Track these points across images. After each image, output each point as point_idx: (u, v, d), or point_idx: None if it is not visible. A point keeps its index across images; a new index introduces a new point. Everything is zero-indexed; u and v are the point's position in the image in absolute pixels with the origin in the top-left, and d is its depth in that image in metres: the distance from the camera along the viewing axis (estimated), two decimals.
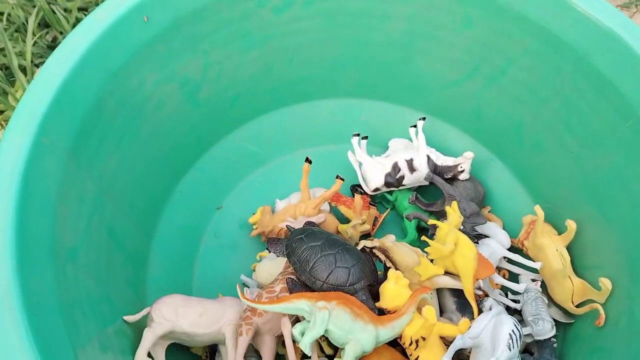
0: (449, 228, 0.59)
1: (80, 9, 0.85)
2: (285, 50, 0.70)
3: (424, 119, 0.72)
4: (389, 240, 0.62)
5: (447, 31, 0.67)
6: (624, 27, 0.56)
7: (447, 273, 0.58)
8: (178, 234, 0.69)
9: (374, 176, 0.70)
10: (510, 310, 0.64)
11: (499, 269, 0.68)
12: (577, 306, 0.60)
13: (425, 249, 0.58)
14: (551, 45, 0.61)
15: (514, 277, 0.67)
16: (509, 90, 0.68)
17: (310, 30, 0.69)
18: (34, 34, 0.80)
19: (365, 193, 0.72)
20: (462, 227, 0.65)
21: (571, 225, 0.62)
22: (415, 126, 0.72)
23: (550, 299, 0.64)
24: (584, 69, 0.59)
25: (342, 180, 0.67)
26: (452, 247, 0.56)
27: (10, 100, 0.75)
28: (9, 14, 0.83)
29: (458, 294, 0.60)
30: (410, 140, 0.74)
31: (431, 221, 0.62)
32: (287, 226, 0.62)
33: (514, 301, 0.63)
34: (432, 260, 0.59)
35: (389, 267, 0.60)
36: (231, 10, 0.63)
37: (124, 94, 0.58)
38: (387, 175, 0.70)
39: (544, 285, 0.65)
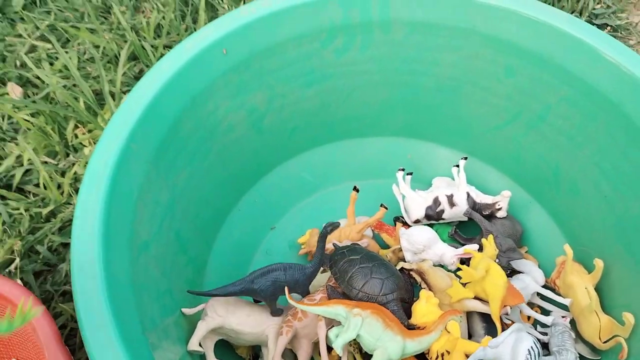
0: (482, 257, 0.63)
1: (165, 46, 0.97)
2: (342, 90, 0.78)
3: (465, 158, 0.77)
4: (426, 264, 0.67)
5: (490, 79, 0.73)
6: None
7: (477, 299, 0.63)
8: (234, 247, 0.76)
9: (415, 208, 0.76)
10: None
11: (531, 305, 0.71)
12: (604, 342, 0.63)
13: (458, 273, 0.63)
14: (586, 95, 0.66)
15: (546, 314, 0.70)
16: (547, 136, 0.73)
17: (365, 72, 0.76)
18: (124, 65, 0.92)
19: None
20: (497, 261, 0.69)
21: (599, 263, 0.65)
22: (457, 165, 0.78)
23: (578, 335, 0.66)
24: (616, 117, 0.64)
25: (386, 208, 0.73)
26: (482, 273, 0.60)
27: (99, 121, 0.86)
28: (104, 47, 0.95)
29: (487, 319, 0.64)
30: (453, 179, 0.79)
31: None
32: (333, 244, 0.68)
33: (543, 334, 0.66)
34: (464, 285, 0.63)
35: (424, 289, 0.65)
36: (298, 49, 0.71)
37: (200, 117, 0.67)
38: (428, 208, 0.75)
39: (574, 323, 0.68)
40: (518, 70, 0.71)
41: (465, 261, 0.70)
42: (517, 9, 0.67)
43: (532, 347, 0.54)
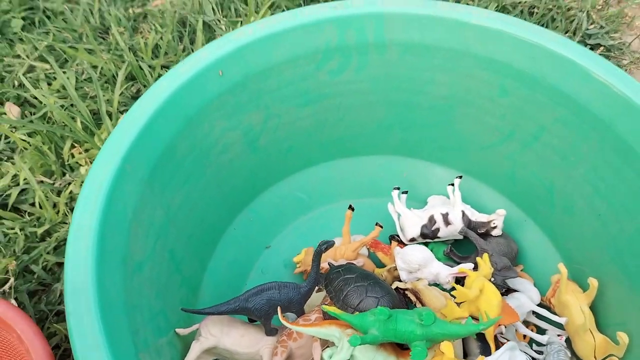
0: (477, 276, 0.63)
1: (162, 66, 0.98)
2: (337, 109, 0.78)
3: (460, 177, 0.78)
4: (421, 284, 0.67)
5: (484, 99, 0.74)
6: None
7: (472, 317, 0.62)
8: (229, 266, 0.76)
9: (410, 227, 0.76)
10: None
11: (527, 323, 0.71)
12: None
13: (452, 293, 0.63)
14: (578, 115, 0.67)
15: (542, 332, 0.70)
16: (541, 154, 0.74)
17: (360, 92, 0.77)
18: (121, 85, 0.92)
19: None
20: (493, 279, 0.69)
21: (593, 283, 0.65)
22: (452, 184, 0.78)
23: (574, 354, 0.66)
24: (608, 137, 0.64)
25: (381, 227, 0.73)
26: (476, 292, 0.61)
27: (96, 141, 0.87)
28: (102, 68, 0.96)
29: (482, 338, 0.64)
30: (448, 198, 0.79)
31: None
32: (328, 262, 0.68)
33: (538, 352, 0.66)
34: (459, 305, 0.63)
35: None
36: (293, 71, 0.72)
37: (195, 138, 0.67)
38: (424, 226, 0.76)
39: (569, 342, 0.67)
40: (512, 91, 0.71)
41: (460, 280, 0.70)
42: (510, 31, 0.67)
43: None
